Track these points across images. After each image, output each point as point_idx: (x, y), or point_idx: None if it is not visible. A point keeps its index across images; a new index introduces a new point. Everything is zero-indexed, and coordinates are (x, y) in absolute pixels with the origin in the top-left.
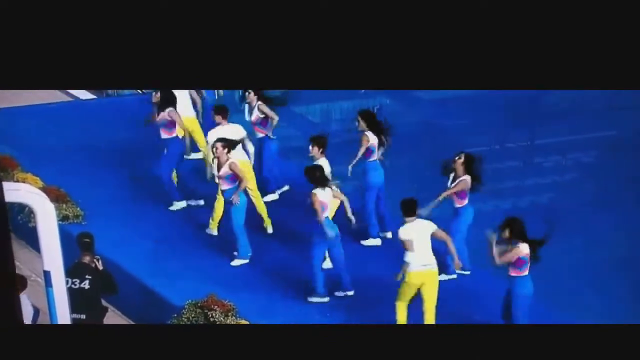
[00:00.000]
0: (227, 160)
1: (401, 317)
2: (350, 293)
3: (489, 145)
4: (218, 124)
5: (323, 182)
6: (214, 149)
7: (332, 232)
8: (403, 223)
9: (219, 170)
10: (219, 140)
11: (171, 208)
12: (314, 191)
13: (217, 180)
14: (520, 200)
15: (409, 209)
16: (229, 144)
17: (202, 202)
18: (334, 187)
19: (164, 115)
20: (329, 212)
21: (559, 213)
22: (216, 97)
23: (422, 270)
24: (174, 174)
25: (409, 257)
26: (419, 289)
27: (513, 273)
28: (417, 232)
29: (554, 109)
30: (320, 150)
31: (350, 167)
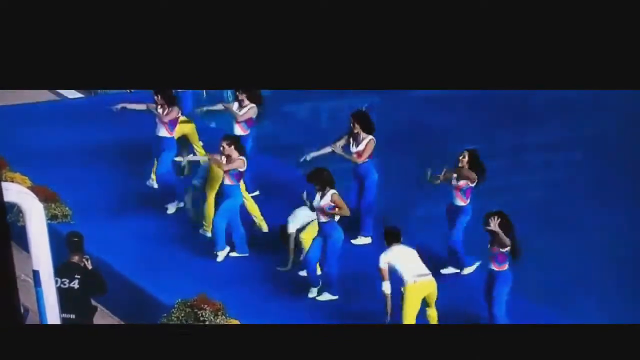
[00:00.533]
0: (239, 157)
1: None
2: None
3: (479, 144)
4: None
5: (332, 181)
6: (221, 148)
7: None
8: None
9: (227, 162)
10: (225, 138)
11: (169, 212)
12: (333, 191)
13: (224, 175)
14: (510, 199)
15: (393, 238)
16: (236, 141)
17: (182, 204)
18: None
19: (173, 114)
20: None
21: (549, 212)
22: (204, 96)
23: (422, 281)
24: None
25: (402, 273)
26: (423, 300)
27: (495, 267)
28: (400, 255)
29: (544, 108)
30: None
31: (339, 148)
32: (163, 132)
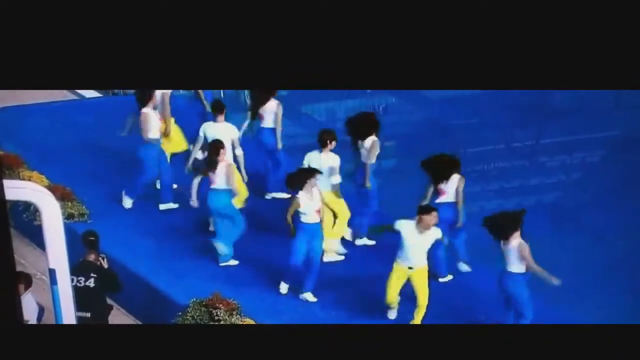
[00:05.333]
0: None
1: (390, 295)
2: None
3: (494, 144)
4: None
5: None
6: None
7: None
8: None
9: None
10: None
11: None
12: (297, 195)
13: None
14: (525, 199)
15: (422, 210)
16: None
17: (175, 206)
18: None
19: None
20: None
21: (564, 212)
22: (222, 96)
23: (405, 269)
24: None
25: (400, 250)
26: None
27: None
28: (414, 235)
29: (560, 107)
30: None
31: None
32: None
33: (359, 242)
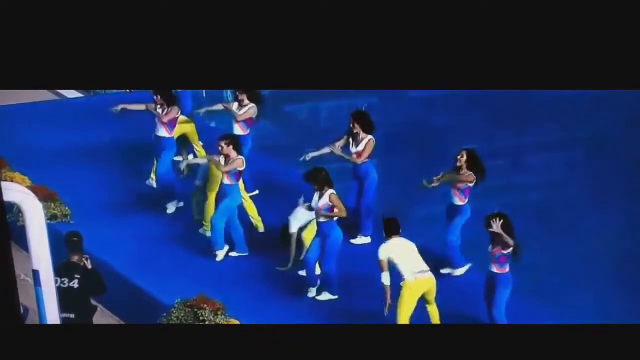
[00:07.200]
0: (237, 156)
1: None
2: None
3: (478, 144)
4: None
5: (330, 181)
6: (220, 148)
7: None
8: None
9: (226, 164)
10: (223, 138)
11: (169, 211)
12: (332, 191)
13: (223, 175)
14: (509, 199)
15: (393, 229)
16: (235, 141)
17: (181, 204)
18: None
19: (173, 114)
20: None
21: (548, 212)
22: (204, 96)
23: (421, 277)
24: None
25: (401, 269)
26: (422, 296)
27: (496, 270)
28: (400, 249)
29: (543, 108)
30: None
31: (338, 149)
32: (162, 132)
33: (354, 241)
